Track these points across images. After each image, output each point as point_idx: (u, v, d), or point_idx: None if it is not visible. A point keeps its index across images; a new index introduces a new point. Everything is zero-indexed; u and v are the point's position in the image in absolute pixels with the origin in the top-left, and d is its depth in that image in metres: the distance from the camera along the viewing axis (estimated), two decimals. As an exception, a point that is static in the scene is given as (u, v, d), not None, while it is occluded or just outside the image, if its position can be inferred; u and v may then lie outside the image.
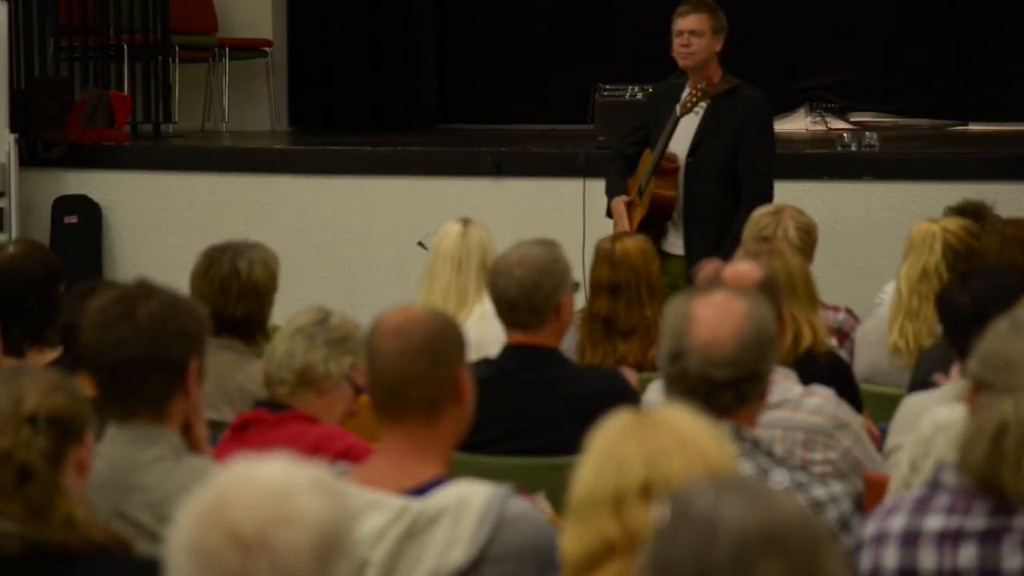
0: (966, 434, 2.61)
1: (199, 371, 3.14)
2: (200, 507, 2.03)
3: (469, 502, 2.88)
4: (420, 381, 2.96)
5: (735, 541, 1.86)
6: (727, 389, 3.03)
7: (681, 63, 6.75)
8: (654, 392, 4.13)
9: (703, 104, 6.73)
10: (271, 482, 2.05)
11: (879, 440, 4.44)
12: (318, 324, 4.05)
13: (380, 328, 3.00)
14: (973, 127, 10.23)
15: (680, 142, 6.79)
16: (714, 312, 3.06)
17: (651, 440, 2.36)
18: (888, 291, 5.74)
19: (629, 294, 5.35)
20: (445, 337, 2.99)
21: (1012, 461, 2.56)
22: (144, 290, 3.14)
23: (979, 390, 2.70)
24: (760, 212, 5.72)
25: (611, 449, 2.37)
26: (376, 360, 2.99)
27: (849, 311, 5.64)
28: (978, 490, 2.60)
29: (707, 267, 4.81)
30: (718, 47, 6.73)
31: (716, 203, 6.71)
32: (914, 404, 4.10)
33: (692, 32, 6.68)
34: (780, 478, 3.06)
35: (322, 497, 2.06)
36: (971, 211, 5.72)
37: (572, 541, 2.38)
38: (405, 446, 2.98)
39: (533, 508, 2.95)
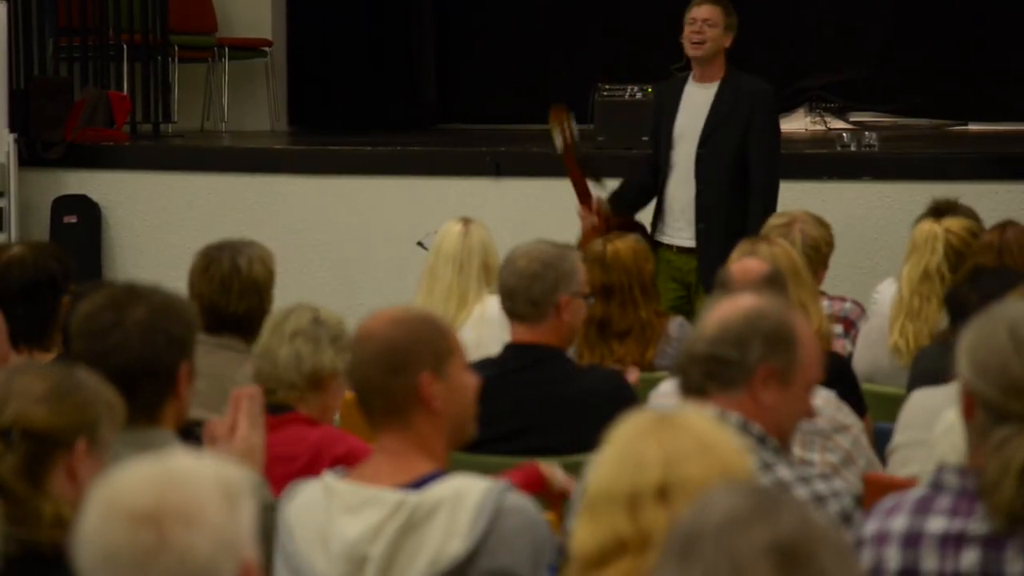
0: (990, 473, 2.58)
1: (190, 373, 3.14)
2: (92, 517, 2.02)
3: (466, 495, 2.89)
4: (378, 391, 2.98)
5: (727, 510, 1.87)
6: (696, 365, 3.08)
7: (691, 52, 6.82)
8: (660, 397, 4.14)
9: (711, 91, 6.76)
10: (150, 465, 2.05)
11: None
12: (316, 324, 4.03)
13: (355, 335, 3.04)
14: (972, 127, 10.22)
15: (690, 133, 6.82)
16: (725, 303, 3.14)
17: (671, 442, 2.35)
18: (882, 291, 5.75)
19: (622, 295, 5.35)
20: (404, 345, 2.97)
21: None
22: (131, 295, 3.13)
23: (977, 404, 2.67)
24: (772, 222, 5.73)
25: (630, 448, 2.36)
26: (348, 369, 3.04)
27: (855, 302, 5.66)
28: (1012, 529, 2.59)
29: None
30: (727, 43, 6.82)
31: (726, 195, 6.76)
32: (922, 400, 4.10)
33: (706, 21, 6.78)
34: (784, 473, 3.07)
35: (201, 457, 2.07)
36: (944, 210, 5.72)
37: (584, 535, 2.38)
38: (396, 445, 2.99)
39: (529, 502, 2.95)
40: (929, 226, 5.15)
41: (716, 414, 3.05)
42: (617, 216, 6.85)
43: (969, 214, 5.67)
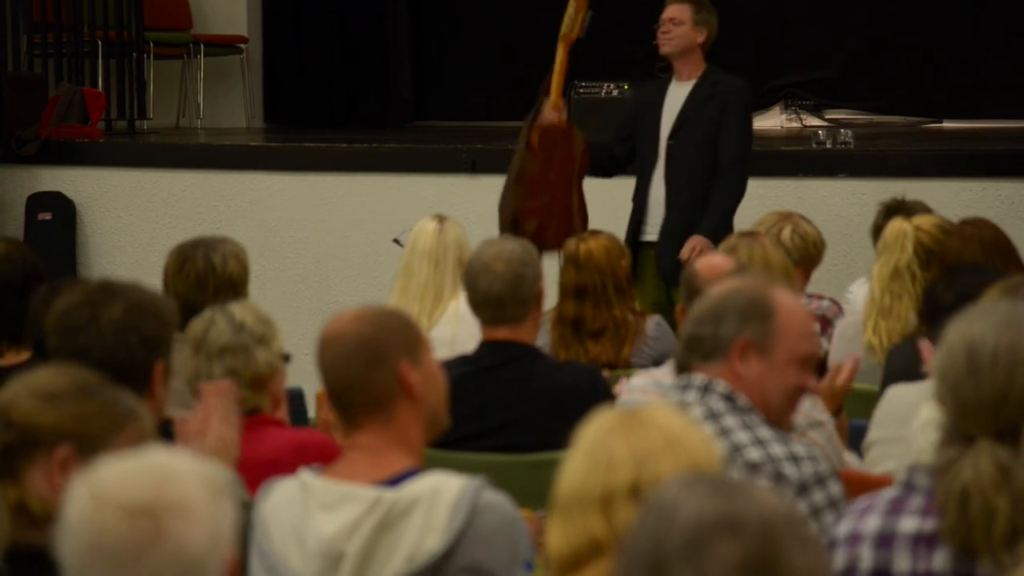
0: (938, 498, 2.62)
1: (165, 372, 3.13)
2: (80, 509, 2.02)
3: (443, 491, 2.90)
4: (360, 387, 2.99)
5: (690, 525, 1.86)
6: (682, 344, 3.25)
7: (660, 49, 6.89)
8: (632, 392, 4.14)
9: (688, 88, 6.81)
10: (136, 460, 2.06)
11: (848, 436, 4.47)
12: (239, 332, 3.92)
13: (320, 339, 3.04)
14: (947, 124, 10.26)
15: (663, 126, 6.85)
16: (715, 289, 3.29)
17: (640, 440, 2.36)
18: (854, 290, 5.77)
19: (596, 295, 5.36)
20: (377, 338, 2.99)
21: (981, 529, 2.57)
22: (108, 293, 3.12)
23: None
24: (771, 212, 5.77)
25: (599, 448, 2.36)
26: (321, 373, 3.04)
27: (833, 300, 5.69)
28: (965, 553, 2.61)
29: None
30: (700, 39, 6.85)
31: (694, 190, 6.76)
32: (897, 396, 4.11)
33: (671, 20, 6.85)
34: (763, 433, 3.13)
35: (184, 455, 2.09)
36: (895, 208, 5.75)
37: (559, 538, 2.37)
38: (374, 441, 3.00)
39: (505, 499, 2.96)
40: (899, 224, 5.15)
41: (703, 383, 3.16)
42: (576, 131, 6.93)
43: (922, 208, 5.71)
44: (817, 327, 5.48)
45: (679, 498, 1.89)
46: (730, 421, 3.14)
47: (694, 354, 3.20)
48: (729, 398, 3.16)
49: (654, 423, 2.38)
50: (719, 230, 6.39)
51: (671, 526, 1.87)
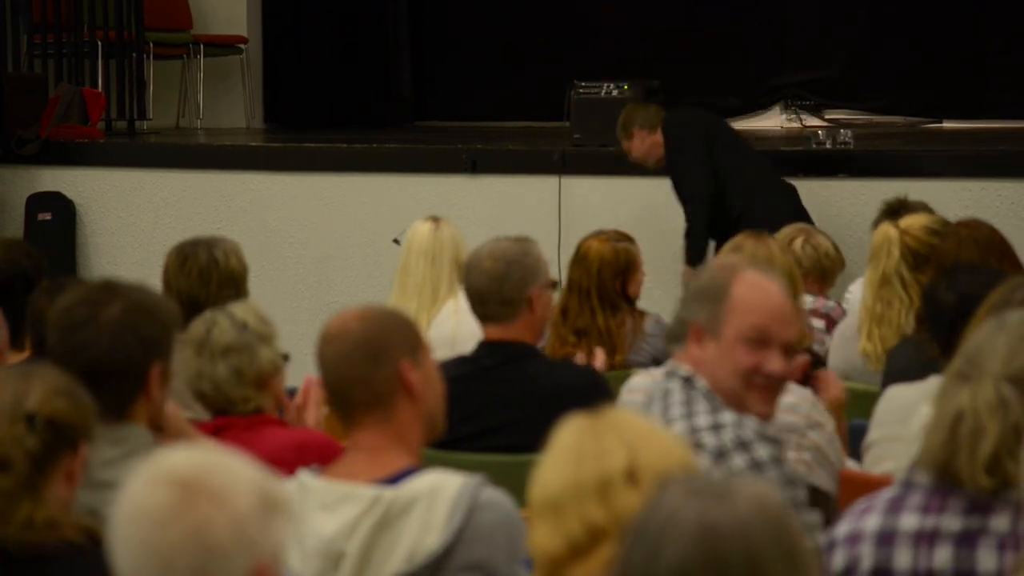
0: (928, 424, 2.64)
1: (163, 374, 3.13)
2: (139, 479, 2.08)
3: (442, 489, 2.91)
4: (361, 382, 3.00)
5: (673, 568, 1.87)
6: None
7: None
8: (632, 392, 4.15)
9: None
10: (209, 450, 2.13)
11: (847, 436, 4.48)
12: (243, 331, 3.92)
13: (321, 336, 3.06)
14: (947, 124, 10.25)
15: None
16: None
17: (623, 432, 2.37)
18: (853, 291, 5.76)
19: (580, 295, 5.38)
20: (380, 335, 3.01)
21: (967, 449, 2.59)
22: (109, 292, 3.13)
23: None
24: (791, 226, 5.80)
25: (583, 443, 2.36)
26: (321, 369, 3.05)
27: (838, 302, 5.70)
28: (938, 480, 2.63)
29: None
30: (641, 139, 7.63)
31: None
32: (896, 396, 4.11)
33: (627, 155, 7.67)
34: (700, 407, 3.15)
35: (257, 465, 2.13)
36: (897, 208, 5.74)
37: (550, 535, 2.35)
38: (374, 440, 3.00)
39: (505, 496, 2.96)
40: (885, 229, 5.12)
41: (671, 368, 3.22)
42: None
43: (923, 208, 5.71)
44: (822, 325, 5.49)
45: (665, 528, 1.90)
46: (676, 399, 3.17)
47: (671, 342, 3.29)
48: (688, 381, 3.18)
49: (627, 420, 2.40)
50: (691, 252, 7.41)
51: (656, 567, 1.88)
